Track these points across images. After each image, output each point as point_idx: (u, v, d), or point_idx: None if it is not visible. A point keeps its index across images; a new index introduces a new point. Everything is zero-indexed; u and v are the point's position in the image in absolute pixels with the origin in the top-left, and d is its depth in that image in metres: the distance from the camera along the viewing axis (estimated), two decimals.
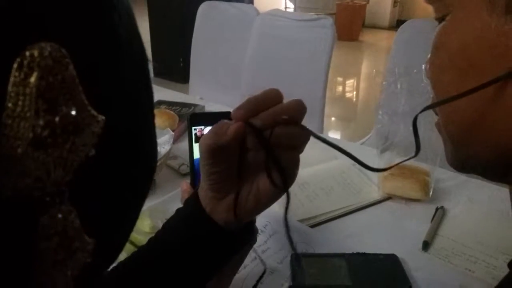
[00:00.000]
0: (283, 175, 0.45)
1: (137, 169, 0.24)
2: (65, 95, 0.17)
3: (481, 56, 0.34)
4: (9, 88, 0.16)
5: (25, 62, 0.16)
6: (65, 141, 0.18)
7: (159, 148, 0.93)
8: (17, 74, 0.16)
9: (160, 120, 1.12)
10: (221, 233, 0.49)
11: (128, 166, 0.23)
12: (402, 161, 0.50)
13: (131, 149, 0.23)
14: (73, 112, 0.18)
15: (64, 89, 0.17)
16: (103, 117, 0.19)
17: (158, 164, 0.91)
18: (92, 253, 0.20)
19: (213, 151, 0.46)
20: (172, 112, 1.21)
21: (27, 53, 0.16)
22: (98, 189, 0.21)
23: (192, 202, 0.51)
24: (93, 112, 0.18)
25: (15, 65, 0.16)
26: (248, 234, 0.53)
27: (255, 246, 0.60)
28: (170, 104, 1.37)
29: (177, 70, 4.01)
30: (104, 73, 0.20)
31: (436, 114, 0.42)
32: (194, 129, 0.70)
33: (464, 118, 0.36)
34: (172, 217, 0.52)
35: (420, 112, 0.39)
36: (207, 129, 0.71)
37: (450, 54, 0.37)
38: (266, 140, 0.44)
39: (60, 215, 0.19)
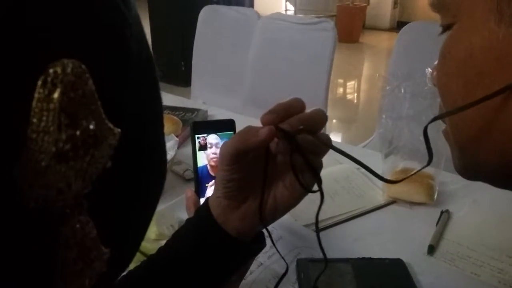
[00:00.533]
0: (317, 176, 0.47)
1: (149, 178, 0.24)
2: (85, 110, 0.18)
3: (488, 66, 0.34)
4: (34, 104, 0.17)
5: (49, 79, 0.17)
6: (85, 154, 0.18)
7: None
8: (41, 90, 0.17)
9: (165, 126, 1.12)
10: (232, 243, 0.50)
11: (142, 176, 0.23)
12: (418, 170, 0.50)
13: (144, 159, 0.23)
14: (92, 126, 0.18)
15: (84, 104, 0.18)
16: (119, 130, 0.19)
17: None
18: (107, 263, 0.21)
19: (238, 155, 0.47)
20: (175, 118, 1.21)
21: (51, 71, 0.17)
22: (114, 200, 0.21)
23: (203, 212, 0.51)
24: (110, 125, 0.19)
25: (39, 82, 0.17)
26: (258, 244, 0.54)
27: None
28: (173, 109, 1.38)
29: (179, 74, 4.02)
30: (118, 86, 0.20)
31: (444, 121, 0.43)
32: (198, 138, 0.70)
33: (472, 127, 0.36)
34: (183, 227, 0.53)
35: (430, 122, 0.40)
36: (210, 137, 0.71)
37: (457, 63, 0.37)
38: (298, 144, 0.45)
39: (78, 226, 0.19)
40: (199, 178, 0.70)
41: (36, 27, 0.16)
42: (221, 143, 0.72)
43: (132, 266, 0.72)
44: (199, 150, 0.69)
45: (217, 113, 1.46)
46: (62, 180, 0.18)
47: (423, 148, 0.96)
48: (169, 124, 1.14)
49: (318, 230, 0.49)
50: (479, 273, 0.75)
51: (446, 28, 0.39)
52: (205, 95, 2.03)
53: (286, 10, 7.18)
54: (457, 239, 0.83)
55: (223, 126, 0.72)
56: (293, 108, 0.48)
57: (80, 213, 0.19)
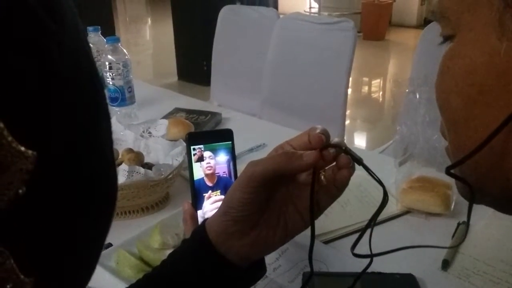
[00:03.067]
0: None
1: (84, 200, 0.22)
2: None
3: (490, 83, 0.31)
4: None
5: None
6: None
7: (171, 161, 0.92)
8: None
9: (176, 129, 1.11)
10: (234, 273, 0.50)
11: (72, 199, 0.21)
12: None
13: (75, 181, 0.21)
14: None
15: None
16: (34, 152, 0.18)
17: (170, 176, 0.90)
18: None
19: (270, 178, 0.47)
20: (187, 122, 1.20)
21: None
22: (34, 226, 0.19)
23: (200, 237, 0.51)
24: (20, 148, 0.17)
25: None
26: (260, 270, 0.54)
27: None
28: (188, 112, 1.36)
29: (200, 73, 4.02)
30: (35, 104, 0.18)
31: (445, 138, 0.40)
32: (193, 149, 0.68)
33: (476, 156, 0.33)
34: (178, 251, 0.53)
35: (448, 170, 0.36)
36: (206, 152, 0.70)
37: (456, 79, 0.34)
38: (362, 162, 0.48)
39: None
40: (196, 191, 0.68)
41: None
42: (217, 155, 0.70)
43: (134, 276, 0.72)
44: (195, 161, 0.68)
45: (231, 116, 1.44)
46: None
47: (439, 155, 0.92)
48: (180, 128, 1.13)
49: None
50: None
51: (446, 39, 0.36)
52: (223, 95, 2.02)
53: (310, 7, 7.11)
54: (473, 253, 0.79)
55: (221, 136, 0.70)
56: (327, 136, 0.49)
57: None
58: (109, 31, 3.23)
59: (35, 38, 0.18)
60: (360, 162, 0.47)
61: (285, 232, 0.51)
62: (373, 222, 0.48)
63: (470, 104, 0.33)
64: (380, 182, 0.47)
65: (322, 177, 0.49)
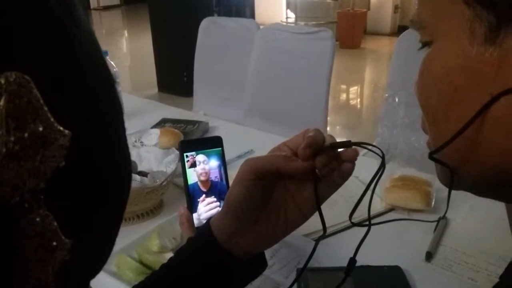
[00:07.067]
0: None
1: (109, 176, 0.26)
2: (32, 115, 0.20)
3: (464, 82, 0.36)
4: None
5: None
6: (36, 154, 0.20)
7: (164, 168, 0.96)
8: None
9: (166, 139, 1.15)
10: (238, 266, 0.53)
11: (99, 174, 0.25)
12: None
13: (100, 159, 0.25)
14: (40, 128, 0.20)
15: (31, 109, 0.20)
16: (70, 132, 0.21)
17: (164, 183, 0.93)
18: (70, 252, 0.23)
19: (264, 173, 0.50)
20: (176, 131, 1.23)
21: None
22: (71, 196, 0.23)
23: (206, 235, 0.54)
24: (60, 127, 0.21)
25: None
26: (262, 265, 0.58)
27: None
28: (175, 122, 1.40)
29: (181, 84, 4.04)
30: (67, 94, 0.22)
31: (426, 133, 0.44)
32: (186, 156, 0.72)
33: (453, 144, 0.38)
34: (185, 248, 0.56)
35: (430, 155, 0.41)
36: (198, 156, 0.74)
37: (434, 79, 0.39)
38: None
39: (38, 219, 0.21)
40: (191, 195, 0.72)
41: None
42: (208, 161, 0.74)
43: (135, 279, 0.74)
44: (189, 168, 0.72)
45: (218, 125, 1.48)
46: (15, 177, 0.20)
47: (419, 155, 0.97)
48: (170, 137, 1.16)
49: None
50: (476, 279, 0.76)
51: (424, 44, 0.41)
52: (206, 105, 2.05)
53: (287, 17, 7.22)
54: (454, 245, 0.84)
55: (211, 143, 0.75)
56: (320, 138, 0.51)
57: (38, 207, 0.21)
58: None
59: (61, 38, 0.22)
60: (354, 144, 0.51)
61: (286, 226, 0.54)
62: (373, 184, 0.51)
63: (447, 101, 0.38)
64: (380, 150, 0.51)
65: (318, 171, 0.53)
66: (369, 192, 0.53)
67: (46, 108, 0.20)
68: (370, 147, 0.51)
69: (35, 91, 0.20)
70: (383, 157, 0.50)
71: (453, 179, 0.40)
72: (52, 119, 0.21)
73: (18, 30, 0.20)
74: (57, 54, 0.22)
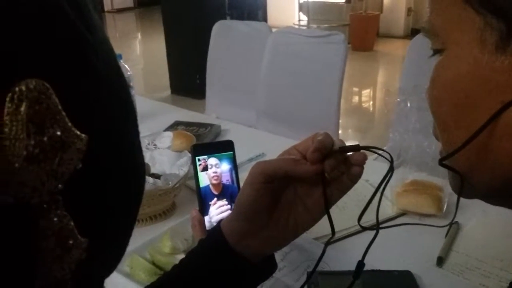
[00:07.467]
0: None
1: (123, 179, 0.28)
2: (51, 119, 0.21)
3: (475, 90, 0.37)
4: (5, 117, 0.20)
5: (16, 96, 0.20)
6: (54, 156, 0.22)
7: (177, 171, 0.97)
8: (10, 105, 0.20)
9: (178, 142, 1.16)
10: (248, 269, 0.54)
11: (114, 176, 0.26)
12: None
13: (115, 162, 0.26)
14: (59, 133, 0.22)
15: (50, 115, 0.21)
16: (86, 136, 0.23)
17: (176, 186, 0.94)
18: (86, 250, 0.24)
19: (274, 176, 0.51)
20: (189, 134, 1.25)
21: (17, 89, 0.20)
22: (88, 197, 0.24)
23: (217, 237, 0.55)
24: (77, 132, 0.22)
25: (7, 99, 0.20)
26: (272, 267, 0.59)
27: None
28: (187, 125, 1.41)
29: (194, 87, 4.07)
30: (84, 100, 0.24)
31: (438, 140, 0.45)
32: (198, 160, 0.73)
33: (464, 151, 0.38)
34: (196, 251, 0.57)
35: (440, 162, 0.41)
36: (210, 160, 0.75)
37: (446, 87, 0.39)
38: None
39: (56, 219, 0.22)
40: (203, 198, 0.73)
41: (3, 52, 0.20)
42: (220, 164, 0.75)
43: (147, 279, 0.76)
44: (201, 171, 0.73)
45: (230, 128, 1.49)
46: (35, 179, 0.21)
47: (431, 160, 0.97)
48: (183, 140, 1.17)
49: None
50: (487, 284, 0.76)
51: (436, 52, 0.41)
52: (219, 108, 2.06)
53: (299, 20, 7.22)
54: (466, 250, 0.84)
55: (222, 147, 0.76)
56: (329, 142, 0.52)
57: (56, 208, 0.22)
58: None
59: (80, 48, 0.24)
60: (362, 148, 0.52)
61: (295, 229, 0.55)
62: (382, 188, 0.52)
63: (458, 108, 0.38)
64: (389, 154, 0.51)
65: (326, 174, 0.53)
66: (378, 196, 0.53)
67: (64, 113, 0.22)
68: (379, 151, 0.52)
69: (54, 97, 0.21)
70: (391, 161, 0.51)
71: (463, 185, 0.41)
72: (69, 124, 0.22)
73: (37, 39, 0.21)
74: (74, 61, 0.23)
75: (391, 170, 0.50)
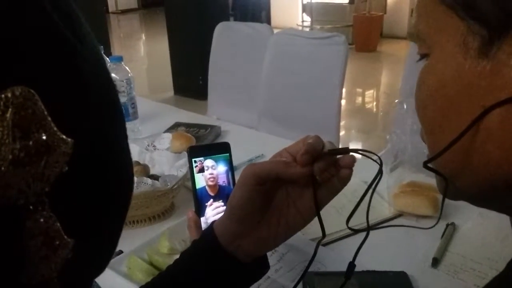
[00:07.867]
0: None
1: (110, 181, 0.28)
2: (36, 124, 0.22)
3: (458, 94, 0.37)
4: None
5: (2, 103, 0.21)
6: (40, 160, 0.22)
7: (176, 172, 0.98)
8: None
9: (178, 143, 1.17)
10: (240, 269, 0.55)
11: (100, 179, 0.27)
12: None
13: (102, 164, 0.27)
14: (44, 137, 0.22)
15: (35, 120, 0.22)
16: (72, 140, 0.23)
17: (175, 187, 0.95)
18: (72, 250, 0.25)
19: (265, 178, 0.52)
20: (189, 135, 1.26)
21: (3, 95, 0.21)
22: (75, 198, 0.25)
23: (209, 238, 0.56)
24: (62, 136, 0.23)
25: None
26: (264, 268, 0.59)
27: None
28: (188, 126, 1.42)
29: (197, 88, 4.08)
30: (70, 105, 0.24)
31: (424, 142, 0.45)
32: (195, 161, 0.74)
33: (449, 154, 0.39)
34: (190, 251, 0.58)
35: (425, 164, 0.42)
36: (206, 161, 0.76)
37: (430, 91, 0.40)
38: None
39: (42, 220, 0.23)
40: (199, 199, 0.74)
41: None
42: (216, 166, 0.76)
43: (145, 280, 0.76)
44: (197, 173, 0.74)
45: (230, 129, 1.50)
46: (21, 181, 0.22)
47: None
48: (182, 141, 1.18)
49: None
50: (482, 285, 0.76)
51: (422, 56, 0.42)
52: (221, 109, 2.07)
53: (303, 21, 7.22)
54: (461, 251, 0.84)
55: (219, 148, 0.77)
56: (319, 144, 0.53)
57: (43, 209, 0.23)
58: (104, 47, 3.30)
59: (65, 53, 0.24)
60: (351, 151, 0.53)
61: (286, 230, 0.56)
62: (371, 190, 0.52)
63: (443, 113, 0.39)
64: (378, 157, 0.52)
65: (317, 177, 0.54)
66: (373, 198, 0.54)
67: (49, 118, 0.22)
68: (368, 154, 0.52)
69: (40, 103, 0.22)
70: (380, 164, 0.51)
71: (448, 188, 0.41)
72: (55, 128, 0.23)
73: (24, 46, 0.22)
74: (61, 68, 0.24)
75: (380, 173, 0.51)
